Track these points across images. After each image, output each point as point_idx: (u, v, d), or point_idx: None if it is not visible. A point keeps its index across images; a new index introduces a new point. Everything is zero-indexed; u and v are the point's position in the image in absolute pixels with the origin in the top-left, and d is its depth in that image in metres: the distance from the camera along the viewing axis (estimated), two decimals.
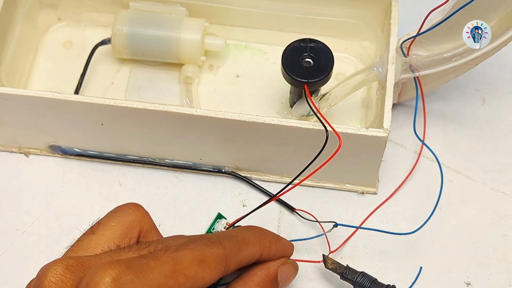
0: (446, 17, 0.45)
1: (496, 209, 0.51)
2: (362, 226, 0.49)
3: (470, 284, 0.48)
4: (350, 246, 0.49)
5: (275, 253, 0.43)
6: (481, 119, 0.55)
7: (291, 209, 0.50)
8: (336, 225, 0.48)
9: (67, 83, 0.54)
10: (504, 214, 0.51)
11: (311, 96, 0.49)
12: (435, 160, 0.50)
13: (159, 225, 0.50)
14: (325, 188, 0.51)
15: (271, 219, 0.50)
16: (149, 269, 0.34)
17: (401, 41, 0.48)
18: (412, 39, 0.47)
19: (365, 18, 0.53)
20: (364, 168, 0.49)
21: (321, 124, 0.44)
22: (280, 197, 0.50)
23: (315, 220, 0.49)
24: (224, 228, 0.49)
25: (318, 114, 0.44)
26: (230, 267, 0.39)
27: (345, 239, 0.49)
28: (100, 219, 0.41)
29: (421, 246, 0.49)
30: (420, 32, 0.46)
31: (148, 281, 0.33)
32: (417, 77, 0.49)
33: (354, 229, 0.49)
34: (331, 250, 0.48)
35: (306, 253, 0.48)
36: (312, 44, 0.48)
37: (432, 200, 0.49)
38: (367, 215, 0.50)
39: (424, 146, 0.52)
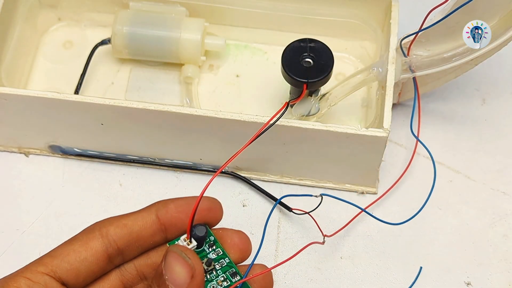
0: (446, 15, 0.45)
1: (496, 209, 0.51)
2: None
3: (470, 284, 0.48)
4: (350, 246, 0.49)
5: None
6: (481, 119, 0.55)
7: (288, 209, 0.49)
8: (322, 195, 0.44)
9: (67, 83, 0.54)
10: (504, 214, 0.51)
11: (312, 96, 0.49)
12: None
13: None
14: (325, 188, 0.51)
15: (271, 219, 0.50)
16: None
17: (400, 39, 0.48)
18: (413, 35, 0.47)
19: (365, 18, 0.53)
20: (364, 168, 0.49)
21: (321, 124, 0.44)
22: (280, 200, 0.49)
23: (304, 212, 0.45)
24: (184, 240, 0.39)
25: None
26: None
27: (344, 235, 0.49)
28: None
29: (421, 246, 0.49)
30: (421, 29, 0.46)
31: None
32: (415, 77, 0.49)
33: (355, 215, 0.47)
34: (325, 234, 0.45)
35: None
36: (312, 44, 0.48)
37: (432, 199, 0.49)
38: (366, 215, 0.49)
39: (421, 145, 0.52)
